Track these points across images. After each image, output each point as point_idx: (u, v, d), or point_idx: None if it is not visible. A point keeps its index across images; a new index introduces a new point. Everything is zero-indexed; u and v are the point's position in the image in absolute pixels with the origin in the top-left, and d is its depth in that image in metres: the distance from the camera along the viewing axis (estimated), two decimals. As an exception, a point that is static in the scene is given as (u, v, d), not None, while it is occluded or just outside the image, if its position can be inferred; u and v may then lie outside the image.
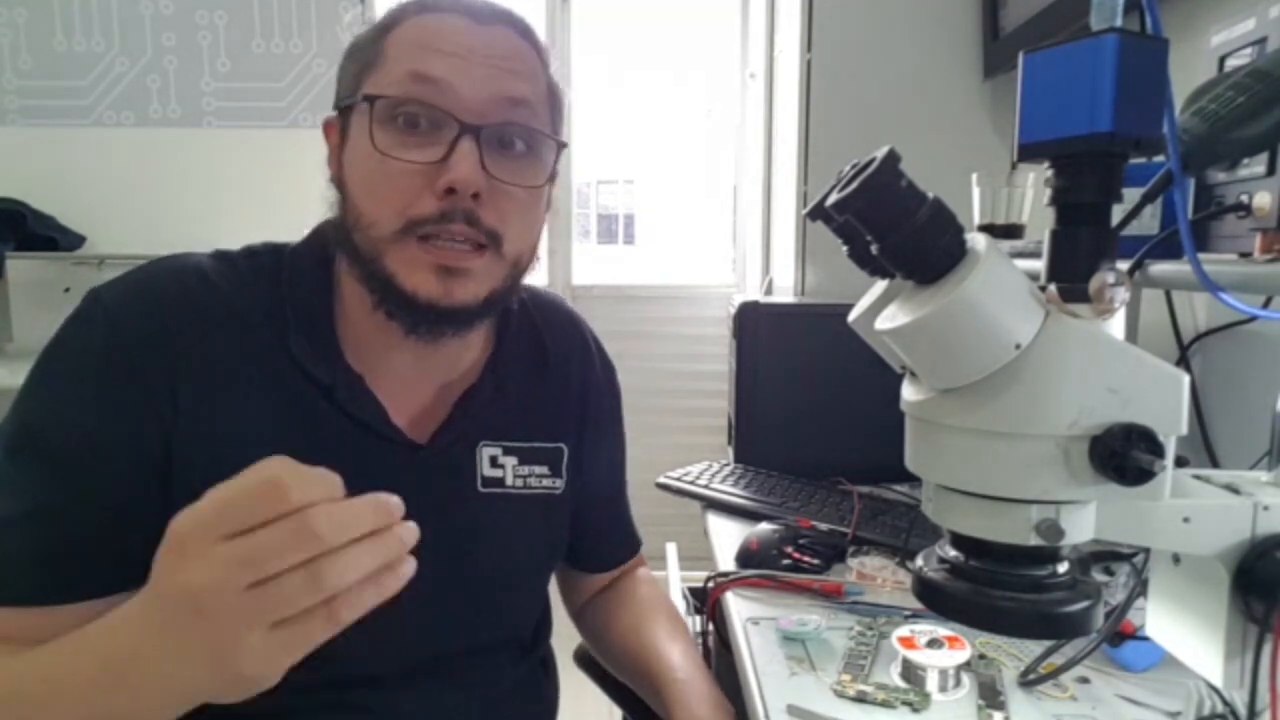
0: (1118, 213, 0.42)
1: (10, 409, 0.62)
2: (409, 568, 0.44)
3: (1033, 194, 1.14)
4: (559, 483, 0.80)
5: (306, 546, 0.40)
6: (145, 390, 0.62)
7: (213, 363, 0.64)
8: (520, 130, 0.65)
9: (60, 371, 0.63)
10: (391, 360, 0.70)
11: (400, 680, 0.71)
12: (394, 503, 0.44)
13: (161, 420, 0.62)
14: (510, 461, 0.76)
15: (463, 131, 0.62)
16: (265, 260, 0.71)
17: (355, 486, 0.67)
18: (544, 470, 0.79)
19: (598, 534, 0.89)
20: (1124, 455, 0.38)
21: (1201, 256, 0.49)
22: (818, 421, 1.30)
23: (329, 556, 0.41)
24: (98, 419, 0.61)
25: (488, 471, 0.75)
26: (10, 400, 0.63)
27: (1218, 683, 0.45)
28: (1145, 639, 0.53)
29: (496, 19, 0.66)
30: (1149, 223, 0.67)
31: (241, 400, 0.65)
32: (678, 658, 0.78)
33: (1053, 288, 0.40)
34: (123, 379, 0.62)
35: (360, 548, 0.42)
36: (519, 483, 0.77)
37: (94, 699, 0.47)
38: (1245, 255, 0.56)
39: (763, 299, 1.40)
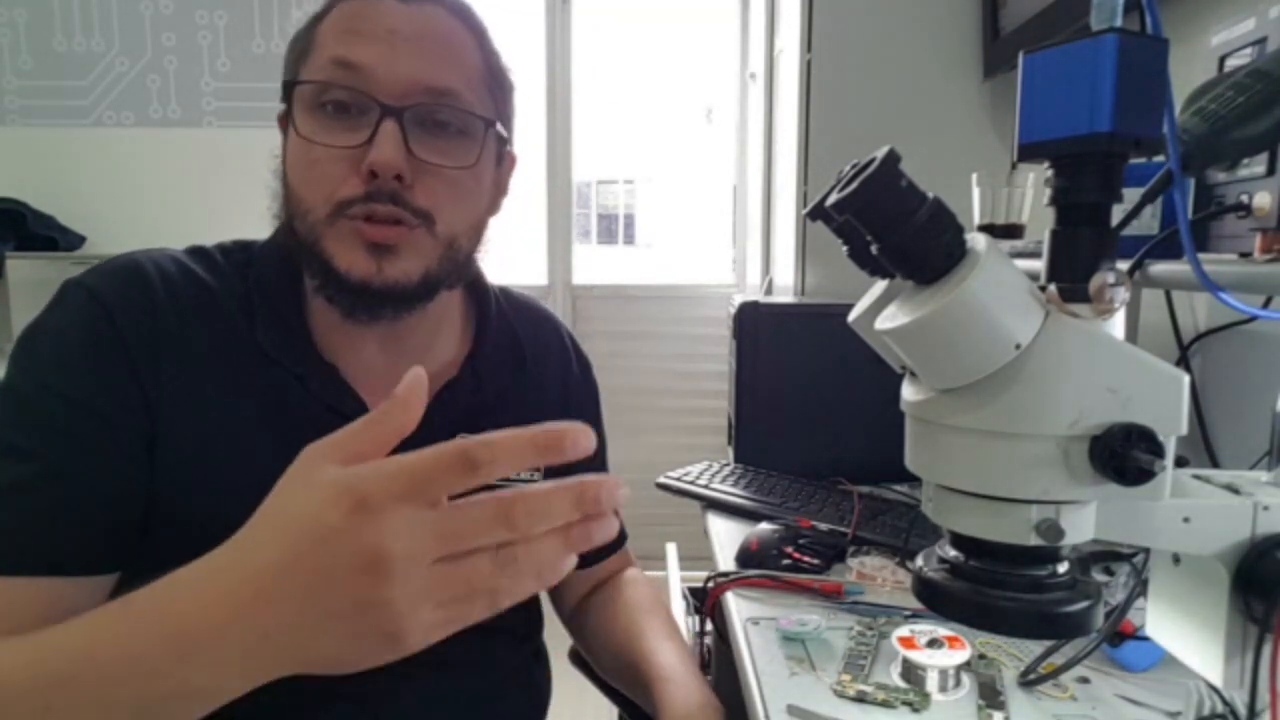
0: (1118, 213, 0.42)
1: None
2: (570, 562, 0.41)
3: (1033, 194, 1.14)
4: (537, 476, 0.80)
5: (503, 533, 0.39)
6: (132, 366, 0.62)
7: (193, 347, 0.65)
8: (446, 111, 0.65)
9: (49, 348, 0.62)
10: (360, 351, 0.71)
11: (394, 670, 0.71)
12: (606, 491, 0.41)
13: (146, 396, 0.63)
14: None
15: (384, 114, 0.62)
16: (236, 256, 0.72)
17: None
18: None
19: None
20: (1124, 455, 0.38)
21: (1201, 256, 0.49)
22: (818, 421, 1.30)
23: (521, 545, 0.40)
24: (91, 390, 0.61)
25: None
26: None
27: (1218, 683, 0.45)
28: (1145, 639, 0.53)
29: None
30: (1149, 223, 0.67)
31: (222, 385, 0.65)
32: (667, 657, 0.77)
33: (1053, 288, 0.40)
34: (111, 354, 0.62)
35: (550, 542, 0.40)
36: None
37: (158, 672, 0.41)
38: (1245, 255, 0.56)
39: (763, 299, 1.40)
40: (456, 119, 0.65)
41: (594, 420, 0.91)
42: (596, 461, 0.91)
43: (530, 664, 0.85)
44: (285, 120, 0.68)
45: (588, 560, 0.91)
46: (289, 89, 0.65)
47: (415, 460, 0.39)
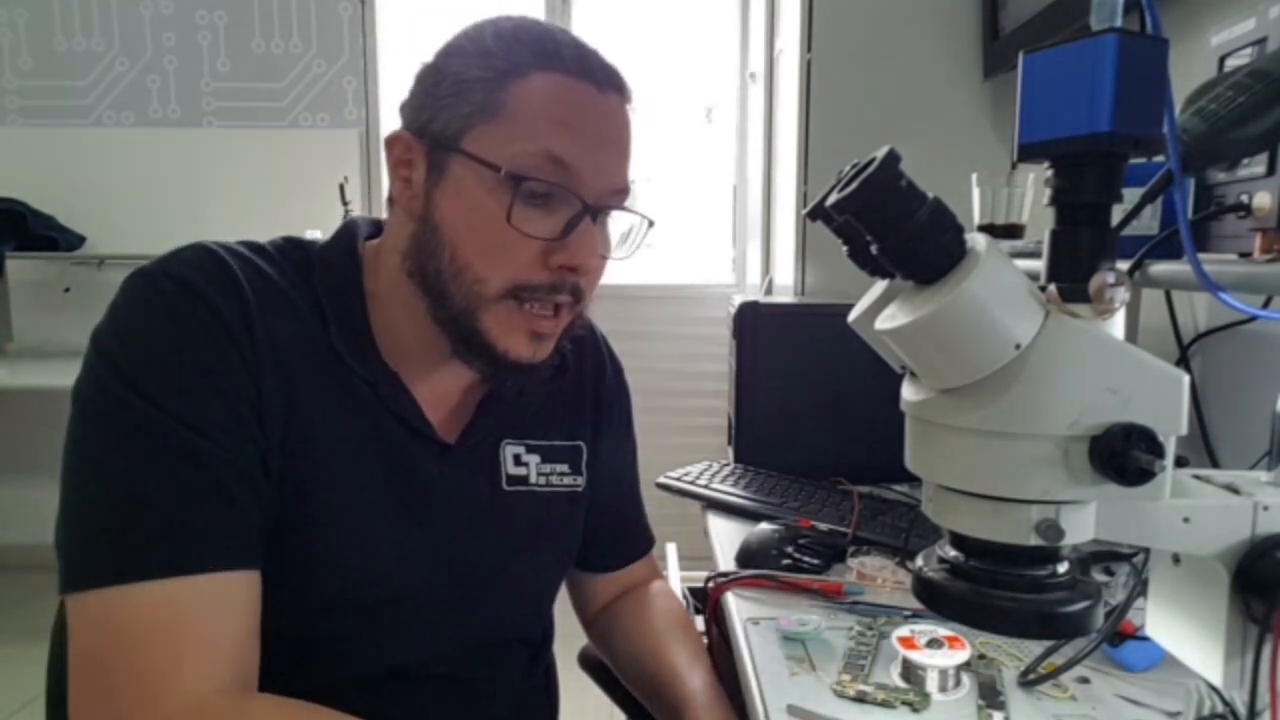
0: (1118, 213, 0.42)
1: (120, 398, 0.58)
2: None
3: (1033, 194, 1.14)
4: (580, 480, 0.81)
5: None
6: (241, 356, 0.61)
7: (276, 344, 0.63)
8: (625, 211, 0.69)
9: (172, 348, 0.59)
10: (419, 361, 0.71)
11: (420, 677, 0.72)
12: None
13: (255, 390, 0.61)
14: (533, 460, 0.78)
15: (585, 212, 0.64)
16: (296, 256, 0.70)
17: (396, 481, 0.69)
18: (565, 468, 0.80)
19: (609, 532, 0.90)
20: (1124, 455, 0.38)
21: (1201, 256, 0.49)
22: (818, 421, 1.30)
23: None
24: (219, 387, 0.59)
25: (512, 470, 0.77)
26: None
27: (1218, 683, 0.45)
28: (1145, 639, 0.53)
29: (611, 84, 0.67)
30: (1149, 223, 0.67)
31: (305, 385, 0.65)
32: (697, 682, 0.78)
33: (1053, 288, 0.40)
34: (228, 350, 0.60)
35: None
36: (542, 480, 0.78)
37: None
38: (1245, 255, 0.56)
39: (763, 299, 1.40)
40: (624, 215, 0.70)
41: (625, 424, 0.92)
42: (628, 466, 0.92)
43: (543, 679, 0.85)
44: (420, 152, 0.66)
45: (614, 563, 0.92)
46: (506, 177, 0.62)
47: None
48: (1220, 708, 0.56)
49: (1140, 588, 0.53)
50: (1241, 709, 0.45)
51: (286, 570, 0.63)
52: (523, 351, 0.66)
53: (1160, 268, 0.59)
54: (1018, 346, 0.39)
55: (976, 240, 0.40)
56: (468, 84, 0.64)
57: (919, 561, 0.47)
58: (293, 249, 0.71)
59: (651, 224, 0.72)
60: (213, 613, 0.57)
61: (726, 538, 1.04)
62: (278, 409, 0.62)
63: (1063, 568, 0.44)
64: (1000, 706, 0.67)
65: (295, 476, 0.63)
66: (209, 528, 0.58)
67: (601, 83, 0.66)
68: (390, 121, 2.85)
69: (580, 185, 0.64)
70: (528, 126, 0.63)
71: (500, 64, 0.64)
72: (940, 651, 0.71)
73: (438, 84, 0.65)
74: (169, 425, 0.57)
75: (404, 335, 0.69)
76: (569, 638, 0.94)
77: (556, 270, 0.64)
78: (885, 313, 0.43)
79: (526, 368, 0.67)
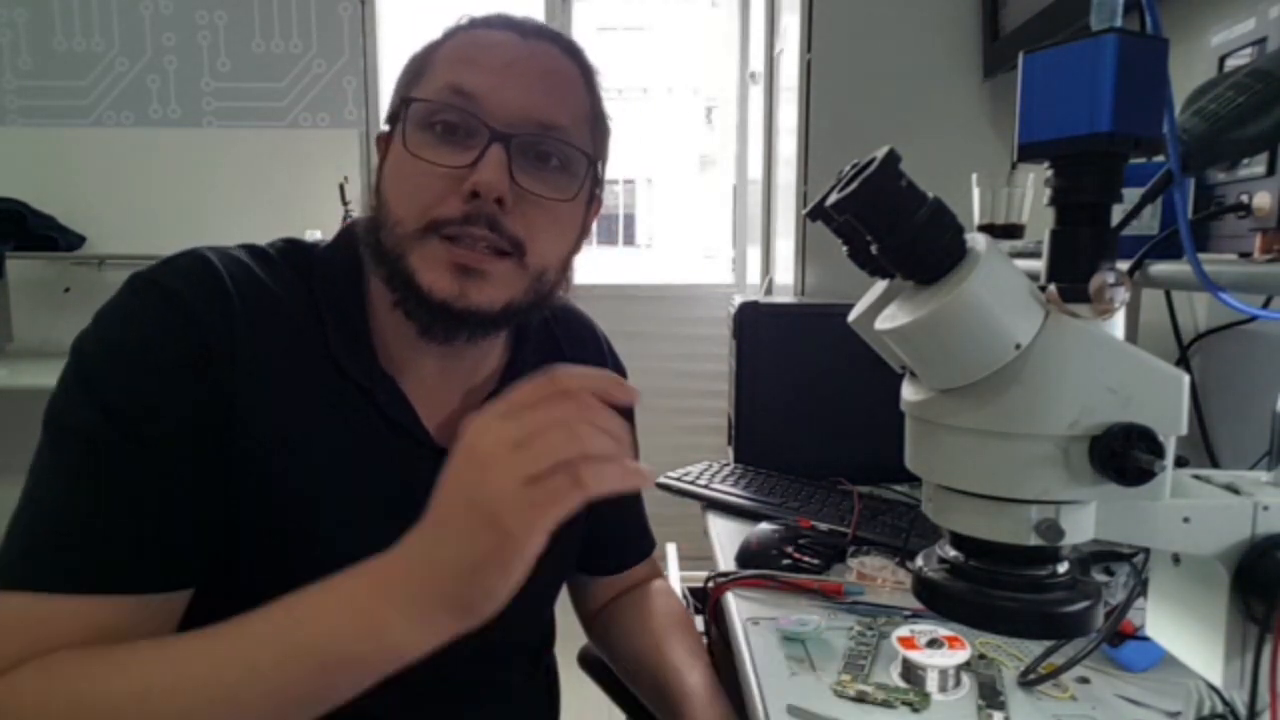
0: (1118, 213, 0.42)
1: (73, 398, 0.59)
2: (648, 480, 0.53)
3: (1033, 194, 1.14)
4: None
5: (562, 406, 0.48)
6: (212, 376, 0.61)
7: (264, 354, 0.63)
8: (552, 144, 0.65)
9: (135, 354, 0.60)
10: (417, 365, 0.70)
11: (419, 684, 0.71)
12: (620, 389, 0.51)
13: (224, 406, 0.61)
14: None
15: (493, 139, 0.62)
16: (296, 259, 0.70)
17: (390, 488, 0.68)
18: None
19: (609, 537, 0.89)
20: (1124, 455, 0.38)
21: (1201, 256, 0.49)
22: (818, 421, 1.30)
23: (583, 422, 0.48)
24: (185, 405, 0.59)
25: None
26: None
27: (1218, 683, 0.45)
28: (1145, 639, 0.53)
29: (542, 36, 0.68)
30: (1149, 223, 0.67)
31: (291, 394, 0.64)
32: (696, 679, 0.78)
33: (1053, 288, 0.40)
34: (193, 363, 0.60)
35: (606, 436, 0.50)
36: None
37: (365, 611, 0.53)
38: (1245, 255, 0.56)
39: (763, 299, 1.40)
40: (560, 152, 0.66)
41: (629, 432, 0.90)
42: None
43: (543, 685, 0.85)
44: (386, 139, 0.68)
45: (616, 566, 0.92)
46: (400, 107, 0.65)
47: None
48: (1220, 708, 0.55)
49: (1140, 588, 0.53)
50: (1241, 709, 0.45)
51: (282, 577, 0.63)
52: (448, 288, 0.62)
53: (1160, 268, 0.59)
54: (1018, 346, 0.39)
55: (976, 240, 0.40)
56: (410, 62, 0.68)
57: (919, 561, 0.47)
58: (293, 252, 0.71)
59: (592, 162, 0.69)
60: (37, 632, 0.55)
61: (726, 538, 1.04)
62: (257, 430, 0.62)
63: (1063, 568, 0.44)
64: (1000, 706, 0.67)
65: (287, 485, 0.63)
66: (109, 548, 0.57)
67: (528, 33, 0.67)
68: (390, 121, 2.85)
69: (485, 112, 0.63)
70: (439, 70, 0.65)
71: (437, 39, 0.68)
72: (940, 651, 0.71)
73: (398, 77, 0.69)
74: (106, 436, 0.58)
75: (391, 333, 0.69)
76: (569, 638, 0.94)
77: (468, 199, 0.62)
78: (885, 313, 0.43)
79: (458, 310, 0.63)
